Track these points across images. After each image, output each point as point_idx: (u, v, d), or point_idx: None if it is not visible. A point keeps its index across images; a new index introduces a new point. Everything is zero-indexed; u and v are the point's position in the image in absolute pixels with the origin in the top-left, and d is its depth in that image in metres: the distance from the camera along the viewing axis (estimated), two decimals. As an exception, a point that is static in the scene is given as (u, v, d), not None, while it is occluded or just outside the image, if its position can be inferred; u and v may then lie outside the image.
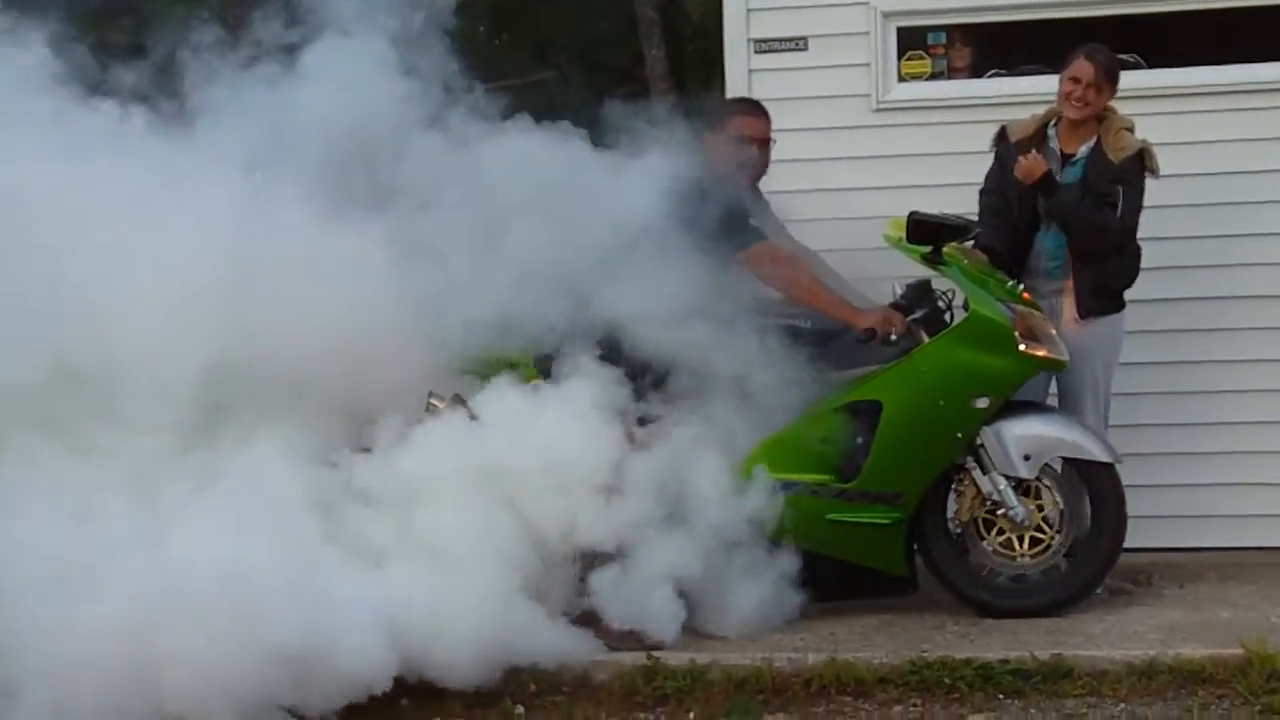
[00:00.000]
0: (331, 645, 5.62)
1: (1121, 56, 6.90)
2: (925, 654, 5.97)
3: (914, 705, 5.79)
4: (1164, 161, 6.73)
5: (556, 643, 6.03)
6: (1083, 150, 6.74)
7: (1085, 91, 6.66)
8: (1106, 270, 6.74)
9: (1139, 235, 6.74)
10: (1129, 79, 6.93)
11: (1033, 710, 5.68)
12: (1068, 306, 6.74)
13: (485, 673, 5.89)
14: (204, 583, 5.56)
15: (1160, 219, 6.90)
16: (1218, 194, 7.28)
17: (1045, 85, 7.08)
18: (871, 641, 6.20)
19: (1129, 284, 6.81)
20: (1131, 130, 6.74)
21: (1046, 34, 7.43)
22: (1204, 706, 5.60)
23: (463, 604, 5.85)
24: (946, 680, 5.84)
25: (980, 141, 7.07)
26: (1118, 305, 6.82)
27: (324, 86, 6.33)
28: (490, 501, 6.09)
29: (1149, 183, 6.70)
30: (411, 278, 6.24)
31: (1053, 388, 6.90)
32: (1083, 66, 6.67)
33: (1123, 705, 5.66)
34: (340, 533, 6.02)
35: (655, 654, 6.05)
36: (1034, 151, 6.67)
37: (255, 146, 6.26)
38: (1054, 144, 6.79)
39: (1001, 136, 6.88)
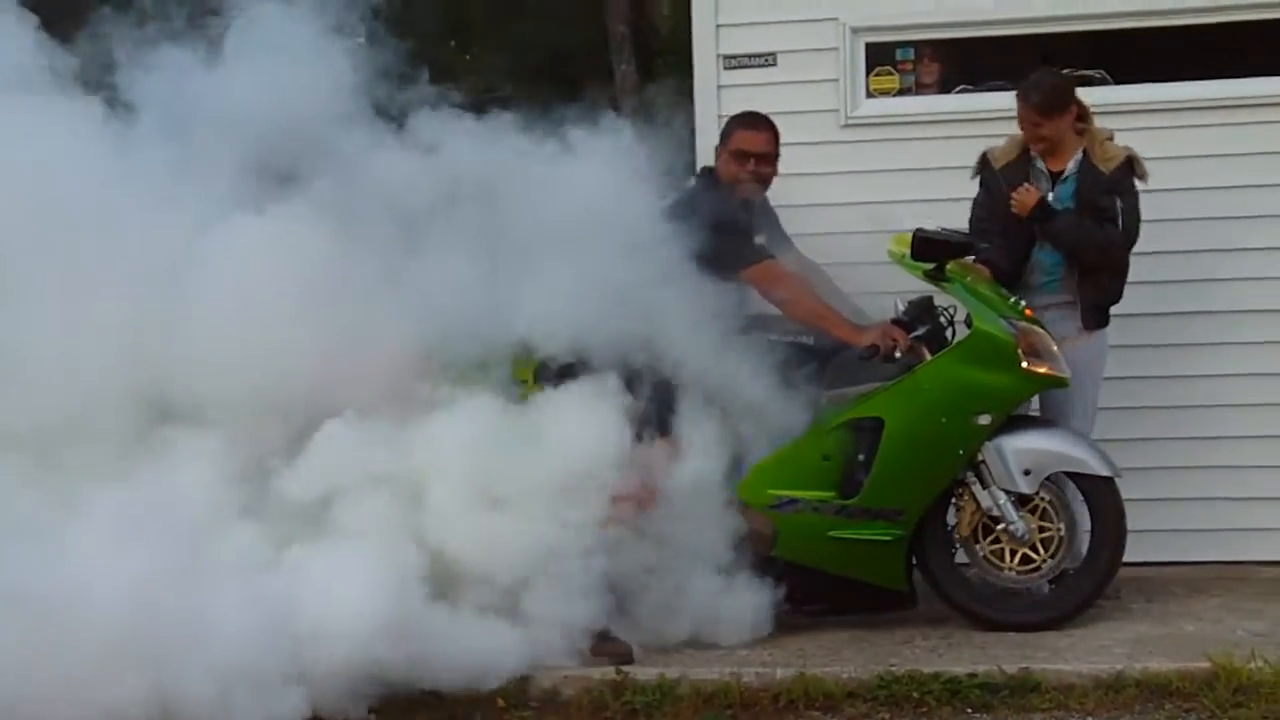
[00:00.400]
0: (230, 679, 5.47)
1: (1088, 73, 6.95)
2: (894, 668, 5.98)
3: (882, 719, 5.80)
4: (1168, 176, 6.82)
5: (478, 651, 5.96)
6: (1071, 166, 6.77)
7: (1034, 130, 6.72)
8: (1102, 284, 6.78)
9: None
10: (1111, 94, 6.98)
11: (1000, 724, 5.71)
12: (1065, 322, 6.76)
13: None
14: (91, 610, 5.35)
15: (1160, 232, 6.95)
16: (1214, 209, 7.33)
17: (1012, 101, 7.12)
18: (840, 656, 6.20)
19: (1118, 300, 6.84)
20: (1113, 139, 6.78)
21: (1013, 50, 7.46)
22: (1171, 720, 5.64)
23: (368, 613, 5.73)
24: (915, 694, 5.85)
25: (948, 157, 7.12)
26: (1106, 320, 6.86)
27: (256, 85, 6.23)
28: (405, 512, 6.04)
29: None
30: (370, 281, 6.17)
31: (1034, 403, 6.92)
32: (1020, 110, 6.74)
33: (1090, 719, 5.67)
34: (250, 549, 5.87)
35: (624, 669, 6.05)
36: (1025, 185, 6.68)
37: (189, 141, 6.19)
38: (1040, 164, 6.81)
39: (984, 163, 6.91)
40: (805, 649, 6.25)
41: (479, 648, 5.97)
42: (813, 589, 6.50)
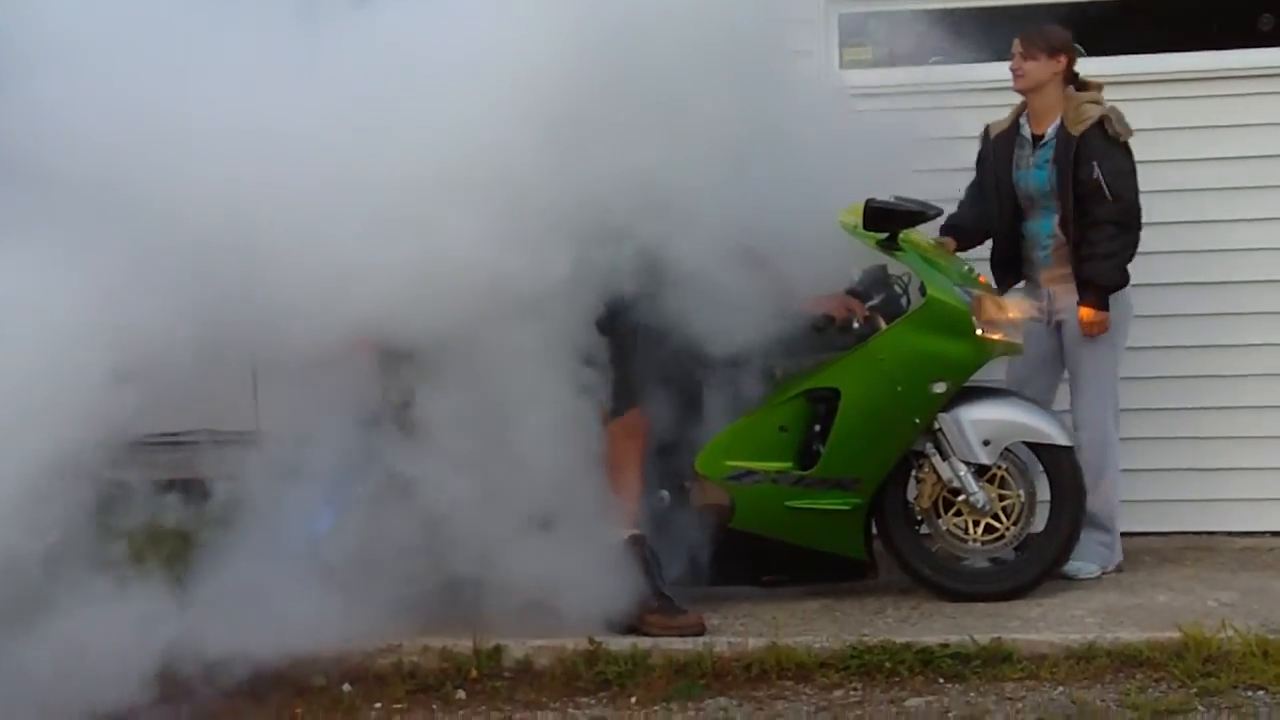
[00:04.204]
0: None
1: (1064, 44, 6.93)
2: (866, 638, 6.00)
3: (854, 689, 5.81)
4: (1188, 146, 6.95)
5: None
6: (1050, 130, 6.76)
7: (1019, 63, 6.74)
8: (1097, 261, 6.65)
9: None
10: (1087, 66, 7.01)
11: (972, 694, 5.71)
12: (1072, 294, 6.71)
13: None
14: None
15: (1166, 202, 6.98)
16: (1204, 181, 7.35)
17: (988, 72, 7.13)
18: (813, 626, 6.22)
19: (1120, 277, 6.71)
20: (1097, 103, 6.72)
21: (987, 21, 7.46)
22: (1141, 689, 5.64)
23: None
24: (887, 664, 5.87)
25: (925, 128, 7.09)
26: (1105, 303, 6.72)
27: None
28: None
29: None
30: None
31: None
32: (1014, 43, 6.78)
33: (1061, 688, 5.69)
34: None
35: (597, 639, 6.05)
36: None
37: None
38: (1025, 131, 6.83)
39: (985, 135, 6.95)
40: (778, 619, 6.26)
41: None
42: (772, 560, 6.51)
